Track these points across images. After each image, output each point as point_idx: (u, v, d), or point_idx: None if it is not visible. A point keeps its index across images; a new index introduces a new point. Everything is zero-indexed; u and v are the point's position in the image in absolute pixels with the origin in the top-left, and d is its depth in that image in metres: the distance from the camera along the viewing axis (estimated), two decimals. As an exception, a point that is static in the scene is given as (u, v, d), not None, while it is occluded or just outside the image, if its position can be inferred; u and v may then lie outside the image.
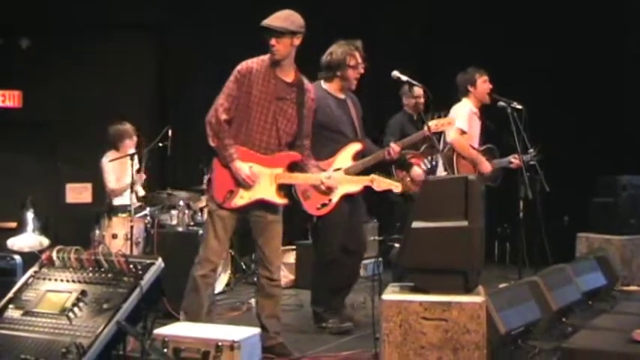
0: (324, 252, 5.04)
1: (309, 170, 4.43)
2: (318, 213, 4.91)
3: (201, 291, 4.24)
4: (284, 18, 4.21)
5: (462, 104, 5.98)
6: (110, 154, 6.33)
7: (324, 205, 4.88)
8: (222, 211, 4.26)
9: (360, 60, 4.98)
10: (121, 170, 6.28)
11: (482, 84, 5.99)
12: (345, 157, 4.98)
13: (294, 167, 4.39)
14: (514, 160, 5.96)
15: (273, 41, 4.19)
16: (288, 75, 4.33)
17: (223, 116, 4.21)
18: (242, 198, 4.25)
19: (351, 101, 5.13)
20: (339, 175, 4.75)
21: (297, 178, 4.41)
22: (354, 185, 4.85)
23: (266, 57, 4.29)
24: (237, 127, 4.25)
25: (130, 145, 6.29)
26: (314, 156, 4.71)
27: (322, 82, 5.04)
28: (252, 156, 4.25)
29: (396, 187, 4.54)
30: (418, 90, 6.21)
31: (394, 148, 5.04)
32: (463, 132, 5.84)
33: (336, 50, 4.98)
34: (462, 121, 5.81)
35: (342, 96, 5.08)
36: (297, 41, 4.24)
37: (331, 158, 4.94)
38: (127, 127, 6.38)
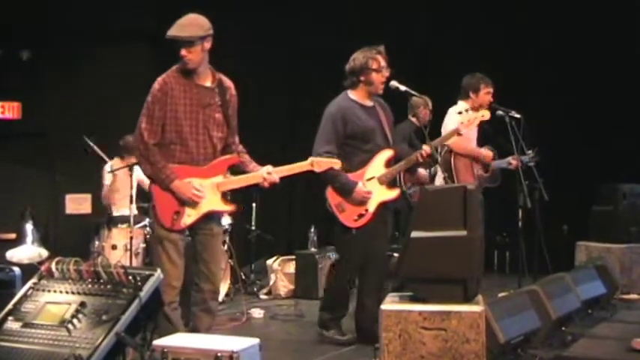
0: (352, 261, 4.97)
1: (247, 167, 4.28)
2: (356, 225, 4.81)
3: (172, 319, 4.11)
4: (190, 24, 4.06)
5: (459, 107, 5.89)
6: (113, 163, 6.36)
7: (361, 215, 4.81)
8: (172, 234, 4.11)
9: (383, 63, 4.87)
10: (122, 178, 6.30)
11: (485, 95, 5.90)
12: (378, 165, 4.87)
13: (232, 170, 4.28)
14: (513, 161, 5.88)
15: (183, 52, 4.03)
16: (207, 79, 4.19)
17: (151, 140, 4.05)
18: (190, 216, 4.12)
19: (380, 107, 5.01)
20: (372, 182, 4.77)
21: (239, 181, 4.24)
22: (389, 193, 4.85)
23: (175, 68, 4.16)
24: (170, 146, 4.10)
25: (134, 161, 6.30)
26: (345, 167, 4.67)
27: (349, 91, 4.96)
28: (189, 171, 4.11)
29: (336, 164, 4.46)
30: (426, 100, 6.22)
31: (426, 149, 4.88)
32: (459, 134, 5.79)
33: (357, 56, 4.90)
34: (457, 123, 5.77)
35: (369, 103, 4.96)
36: (207, 45, 4.10)
37: (363, 168, 4.84)
38: None
